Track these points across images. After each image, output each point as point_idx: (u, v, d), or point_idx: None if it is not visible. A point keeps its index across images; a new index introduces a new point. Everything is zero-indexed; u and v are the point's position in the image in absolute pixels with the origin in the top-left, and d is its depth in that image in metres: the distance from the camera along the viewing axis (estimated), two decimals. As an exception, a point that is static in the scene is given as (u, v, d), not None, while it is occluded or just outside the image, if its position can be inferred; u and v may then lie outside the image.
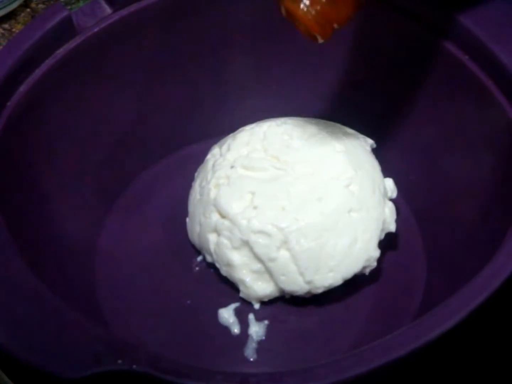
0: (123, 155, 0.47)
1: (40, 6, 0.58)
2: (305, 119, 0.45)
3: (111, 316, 0.42)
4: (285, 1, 0.34)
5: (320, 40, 0.35)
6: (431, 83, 0.42)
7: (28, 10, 0.58)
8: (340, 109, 0.46)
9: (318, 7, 0.34)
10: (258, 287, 0.41)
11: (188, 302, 0.43)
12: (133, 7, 0.42)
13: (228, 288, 0.43)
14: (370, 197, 0.41)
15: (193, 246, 0.45)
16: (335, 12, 0.34)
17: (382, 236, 0.42)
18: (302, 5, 0.34)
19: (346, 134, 0.44)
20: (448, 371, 0.39)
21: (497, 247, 0.33)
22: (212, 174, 0.43)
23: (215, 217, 0.41)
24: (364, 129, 0.45)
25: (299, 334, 0.42)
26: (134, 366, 0.28)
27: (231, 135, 0.45)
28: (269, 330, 0.42)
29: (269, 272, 0.40)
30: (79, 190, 0.44)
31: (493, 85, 0.38)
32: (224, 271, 0.42)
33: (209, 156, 0.45)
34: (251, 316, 0.42)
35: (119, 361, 0.28)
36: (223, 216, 0.41)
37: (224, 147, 0.44)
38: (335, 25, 0.35)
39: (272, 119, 0.45)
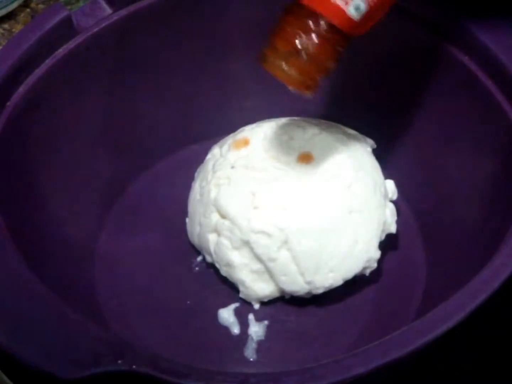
0: (123, 155, 0.47)
1: (40, 6, 0.58)
2: (306, 119, 0.45)
3: (111, 316, 0.42)
4: (265, 64, 0.35)
5: (308, 94, 0.36)
6: (431, 83, 0.42)
7: (28, 10, 0.58)
8: (340, 109, 0.46)
9: (297, 67, 0.34)
10: (258, 287, 0.41)
11: (188, 302, 0.43)
12: (133, 7, 0.42)
13: (228, 288, 0.43)
14: (371, 198, 0.41)
15: (193, 246, 0.45)
16: (315, 67, 0.34)
17: (383, 237, 0.42)
18: (281, 68, 0.34)
19: (346, 134, 0.44)
20: (448, 371, 0.39)
21: (497, 247, 0.33)
22: (213, 174, 0.43)
23: (215, 217, 0.41)
24: (364, 130, 0.45)
25: (299, 334, 0.42)
26: (134, 366, 0.28)
27: (231, 135, 0.45)
28: (269, 330, 0.42)
29: (269, 272, 0.40)
30: (79, 190, 0.44)
31: (493, 85, 0.39)
32: (224, 271, 0.42)
33: (209, 156, 0.45)
34: (251, 316, 0.42)
35: (119, 361, 0.28)
36: (223, 216, 0.41)
37: (225, 147, 0.44)
38: (318, 78, 0.35)
39: (272, 119, 0.45)
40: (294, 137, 0.43)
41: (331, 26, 0.33)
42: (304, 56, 0.34)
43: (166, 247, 0.45)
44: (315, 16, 0.33)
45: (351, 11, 0.33)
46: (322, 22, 0.33)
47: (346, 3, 0.33)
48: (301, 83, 0.35)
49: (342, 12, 0.33)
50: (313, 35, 0.33)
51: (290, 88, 0.35)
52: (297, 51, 0.34)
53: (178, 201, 0.46)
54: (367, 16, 0.33)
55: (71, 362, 0.29)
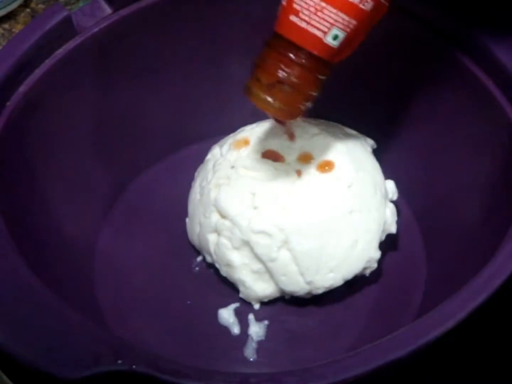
0: (123, 155, 0.47)
1: (40, 6, 0.58)
2: (306, 119, 0.45)
3: (111, 316, 0.42)
4: (249, 96, 0.35)
5: (293, 121, 0.37)
6: (431, 84, 0.42)
7: (28, 10, 0.58)
8: (340, 109, 0.46)
9: (281, 98, 0.35)
10: (258, 287, 0.41)
11: (188, 302, 0.43)
12: (133, 7, 0.42)
13: (228, 288, 0.43)
14: (372, 198, 0.41)
15: (193, 246, 0.45)
16: (298, 97, 0.35)
17: (383, 237, 0.42)
18: (265, 100, 0.35)
19: (346, 134, 0.44)
20: (448, 371, 0.39)
21: (497, 247, 0.33)
22: (213, 174, 0.43)
23: (215, 217, 0.41)
24: (364, 130, 0.45)
25: (299, 334, 0.42)
26: (134, 366, 0.28)
27: (231, 135, 0.45)
28: (269, 330, 0.42)
29: (270, 273, 0.40)
30: (79, 190, 0.44)
31: (493, 85, 0.38)
32: (224, 271, 0.42)
33: (209, 156, 0.45)
34: (251, 316, 0.42)
35: (119, 361, 0.28)
36: (223, 216, 0.41)
37: (225, 147, 0.44)
38: (303, 106, 0.35)
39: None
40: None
41: (311, 56, 0.34)
42: (287, 87, 0.34)
43: (166, 247, 0.45)
44: (295, 47, 0.34)
45: (330, 40, 0.33)
46: (302, 53, 0.34)
47: (324, 33, 0.33)
48: (286, 113, 0.35)
49: (320, 42, 0.33)
50: (294, 66, 0.34)
51: (276, 117, 0.36)
52: (280, 83, 0.34)
53: (178, 201, 0.46)
54: (346, 42, 0.34)
55: (71, 362, 0.29)
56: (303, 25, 0.33)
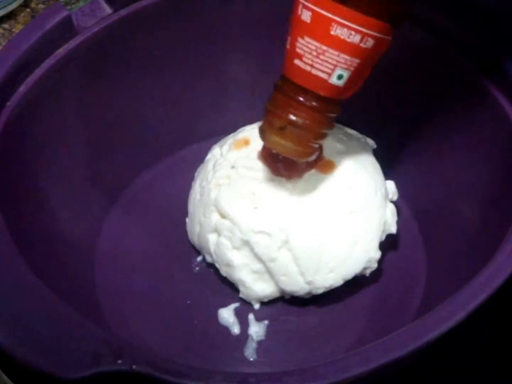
0: (123, 155, 0.47)
1: (40, 6, 0.59)
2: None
3: (111, 316, 0.42)
4: (263, 139, 0.37)
5: (306, 160, 0.38)
6: (432, 85, 0.42)
7: (28, 10, 0.58)
8: (341, 110, 0.46)
9: (293, 139, 0.35)
10: (258, 287, 0.41)
11: (188, 302, 0.43)
12: (133, 7, 0.42)
13: (228, 288, 0.43)
14: (372, 198, 0.41)
15: (193, 246, 0.45)
16: (309, 136, 0.36)
17: (383, 238, 0.42)
18: (278, 142, 0.35)
19: (347, 134, 0.44)
20: (448, 371, 0.39)
21: (497, 247, 0.33)
22: (213, 174, 0.43)
23: (215, 217, 0.41)
24: (364, 130, 0.45)
25: (299, 334, 0.42)
26: (134, 366, 0.28)
27: (231, 135, 0.45)
28: (269, 330, 0.42)
29: (270, 272, 0.40)
30: (79, 190, 0.44)
31: (493, 86, 0.39)
32: (224, 271, 0.42)
33: (209, 156, 0.45)
34: (251, 316, 0.42)
35: (119, 361, 0.28)
36: (223, 216, 0.41)
37: (225, 147, 0.44)
38: (315, 144, 0.36)
39: (272, 119, 0.45)
40: (294, 137, 0.43)
41: (318, 97, 0.34)
42: (298, 129, 0.35)
43: (166, 247, 0.45)
44: (302, 89, 0.34)
45: (335, 80, 0.34)
46: (309, 95, 0.34)
47: (328, 74, 0.33)
48: (299, 153, 0.36)
49: (326, 83, 0.34)
50: (303, 108, 0.35)
51: (290, 157, 0.37)
52: (290, 125, 0.35)
53: (178, 200, 0.46)
54: (352, 80, 0.34)
55: (71, 362, 0.29)
56: (308, 68, 0.33)
